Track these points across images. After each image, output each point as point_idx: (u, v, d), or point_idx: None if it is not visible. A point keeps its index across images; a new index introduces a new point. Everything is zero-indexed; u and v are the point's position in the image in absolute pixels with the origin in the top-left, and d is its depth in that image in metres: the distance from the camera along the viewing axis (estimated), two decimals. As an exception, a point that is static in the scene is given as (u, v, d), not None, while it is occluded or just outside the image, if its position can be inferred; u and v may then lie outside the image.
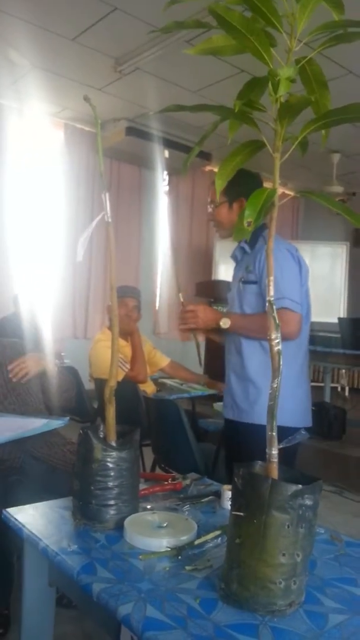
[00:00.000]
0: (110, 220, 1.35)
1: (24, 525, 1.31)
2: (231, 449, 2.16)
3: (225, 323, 1.94)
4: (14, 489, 1.86)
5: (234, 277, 2.14)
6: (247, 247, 2.06)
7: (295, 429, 2.02)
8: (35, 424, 1.92)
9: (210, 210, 2.14)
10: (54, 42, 4.10)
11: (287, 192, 7.34)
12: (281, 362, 1.01)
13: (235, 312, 2.03)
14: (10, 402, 2.14)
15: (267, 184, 1.01)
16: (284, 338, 1.95)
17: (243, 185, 1.96)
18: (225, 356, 2.13)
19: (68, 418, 2.03)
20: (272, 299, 0.99)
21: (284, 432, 1.99)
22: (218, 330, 2.01)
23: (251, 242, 2.05)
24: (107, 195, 1.36)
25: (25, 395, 2.18)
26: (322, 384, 5.63)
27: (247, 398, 1.98)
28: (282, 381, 1.96)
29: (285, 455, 1.07)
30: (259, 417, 1.92)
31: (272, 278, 1.00)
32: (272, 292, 0.98)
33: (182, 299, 2.03)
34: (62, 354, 2.43)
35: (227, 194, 2.06)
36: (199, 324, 1.99)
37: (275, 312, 1.00)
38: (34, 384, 2.22)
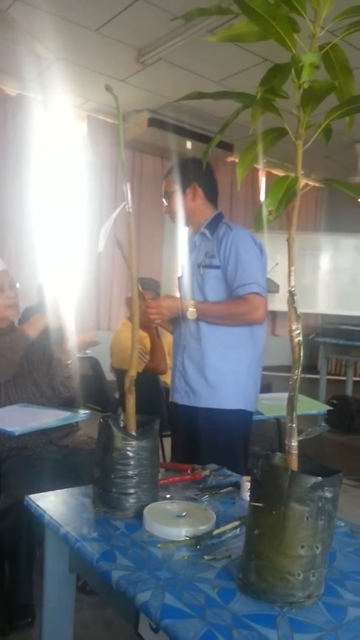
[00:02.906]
0: (130, 210, 1.35)
1: (45, 512, 1.33)
2: (188, 433, 2.11)
3: (192, 314, 1.96)
4: (35, 475, 1.90)
5: (191, 262, 2.11)
6: (207, 233, 2.06)
7: (250, 413, 2.04)
8: (59, 416, 1.99)
9: (165, 202, 2.15)
10: (78, 33, 4.10)
11: (310, 182, 7.25)
12: (302, 353, 1.00)
13: (198, 300, 2.01)
14: (27, 387, 2.18)
15: (290, 174, 1.00)
16: (253, 322, 1.98)
17: (192, 171, 2.05)
18: (174, 342, 2.15)
19: (89, 412, 2.08)
20: (293, 289, 0.97)
21: (244, 415, 1.99)
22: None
23: (211, 228, 2.06)
24: (129, 185, 1.36)
25: (39, 381, 2.22)
26: (344, 378, 5.58)
27: (206, 383, 1.99)
28: (236, 365, 1.97)
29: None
30: (221, 401, 1.97)
31: (293, 268, 0.99)
32: (292, 283, 0.97)
33: (144, 295, 2.06)
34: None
35: (178, 182, 2.08)
36: (165, 316, 2.03)
37: (294, 302, 0.98)
38: (43, 372, 2.25)
